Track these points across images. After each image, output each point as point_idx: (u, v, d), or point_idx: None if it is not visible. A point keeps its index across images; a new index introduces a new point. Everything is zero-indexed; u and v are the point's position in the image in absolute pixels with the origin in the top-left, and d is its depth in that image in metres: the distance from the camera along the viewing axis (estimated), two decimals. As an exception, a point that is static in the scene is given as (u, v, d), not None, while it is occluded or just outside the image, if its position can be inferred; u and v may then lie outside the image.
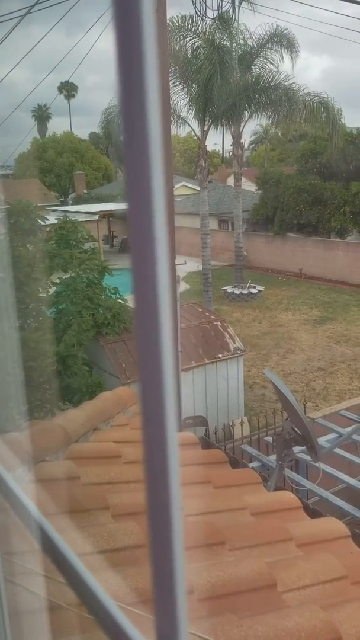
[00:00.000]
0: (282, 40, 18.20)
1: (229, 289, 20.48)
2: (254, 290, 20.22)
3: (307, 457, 5.26)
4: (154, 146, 0.24)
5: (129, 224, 0.27)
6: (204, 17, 15.16)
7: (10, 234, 7.12)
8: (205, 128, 17.49)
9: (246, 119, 19.01)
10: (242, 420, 8.77)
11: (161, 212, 0.26)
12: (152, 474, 0.28)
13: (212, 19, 15.95)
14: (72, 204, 36.49)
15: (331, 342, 15.19)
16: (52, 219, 9.85)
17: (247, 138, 50.65)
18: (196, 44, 16.89)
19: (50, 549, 0.49)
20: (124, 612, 0.37)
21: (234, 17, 16.52)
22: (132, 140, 0.25)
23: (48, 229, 9.16)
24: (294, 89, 17.12)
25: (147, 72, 0.24)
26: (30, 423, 3.33)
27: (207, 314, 10.50)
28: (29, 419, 4.60)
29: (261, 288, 20.54)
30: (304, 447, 4.91)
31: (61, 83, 68.65)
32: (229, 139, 25.57)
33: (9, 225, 7.15)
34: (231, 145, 21.38)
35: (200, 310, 10.63)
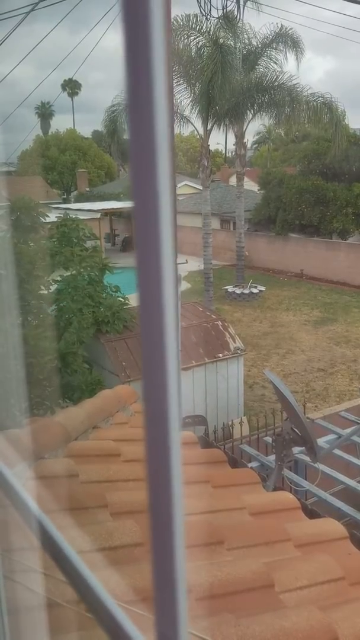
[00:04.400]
0: (286, 40, 18.19)
1: (230, 288, 20.47)
2: (255, 290, 20.22)
3: (306, 458, 5.26)
4: (161, 144, 0.24)
5: (134, 222, 0.27)
6: (208, 17, 15.17)
7: (12, 231, 7.12)
8: (208, 127, 17.48)
9: (249, 118, 19.01)
10: (241, 420, 8.77)
11: (167, 211, 0.25)
12: (154, 473, 0.28)
13: (216, 18, 15.95)
14: (74, 202, 36.49)
15: (331, 343, 15.19)
16: (54, 217, 9.85)
17: (250, 138, 50.56)
18: (200, 43, 16.88)
19: (50, 546, 0.49)
20: (122, 610, 0.37)
21: (238, 17, 16.52)
22: (138, 138, 0.25)
23: (50, 226, 9.17)
24: (298, 89, 17.11)
25: (155, 69, 0.24)
26: (30, 420, 3.33)
27: (207, 313, 10.50)
28: (29, 416, 4.60)
29: (262, 288, 20.53)
30: (303, 447, 4.91)
31: (65, 80, 68.61)
32: (231, 139, 25.57)
33: (11, 222, 7.16)
34: (234, 144, 21.37)
35: (201, 309, 10.62)
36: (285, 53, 18.34)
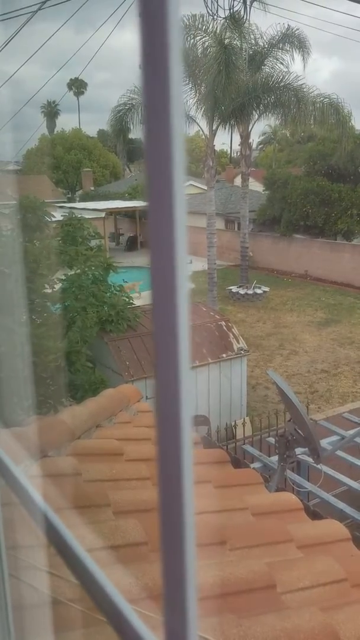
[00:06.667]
0: (293, 40, 18.17)
1: (234, 289, 20.46)
2: (259, 291, 20.20)
3: (309, 459, 5.26)
4: (176, 144, 0.24)
5: (149, 221, 0.27)
6: (215, 17, 15.15)
7: (18, 230, 7.14)
8: (214, 127, 17.46)
9: (255, 119, 18.99)
10: (244, 420, 8.76)
11: (182, 211, 0.26)
12: (165, 472, 0.28)
13: (223, 18, 15.93)
14: (79, 201, 36.53)
15: (335, 345, 15.16)
16: (59, 216, 9.88)
17: (255, 138, 50.61)
18: (206, 43, 16.87)
19: (57, 542, 0.49)
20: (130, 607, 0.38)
21: (245, 17, 16.50)
22: (153, 138, 0.25)
23: (54, 225, 9.19)
24: (304, 90, 17.08)
25: (172, 69, 0.24)
26: (34, 418, 3.34)
27: (211, 313, 10.49)
28: (33, 415, 4.61)
29: (266, 289, 20.51)
30: (306, 448, 4.90)
31: (71, 80, 68.68)
32: (237, 139, 25.52)
33: (17, 221, 7.17)
34: (239, 145, 21.35)
35: (204, 309, 10.62)
36: (292, 54, 18.33)
